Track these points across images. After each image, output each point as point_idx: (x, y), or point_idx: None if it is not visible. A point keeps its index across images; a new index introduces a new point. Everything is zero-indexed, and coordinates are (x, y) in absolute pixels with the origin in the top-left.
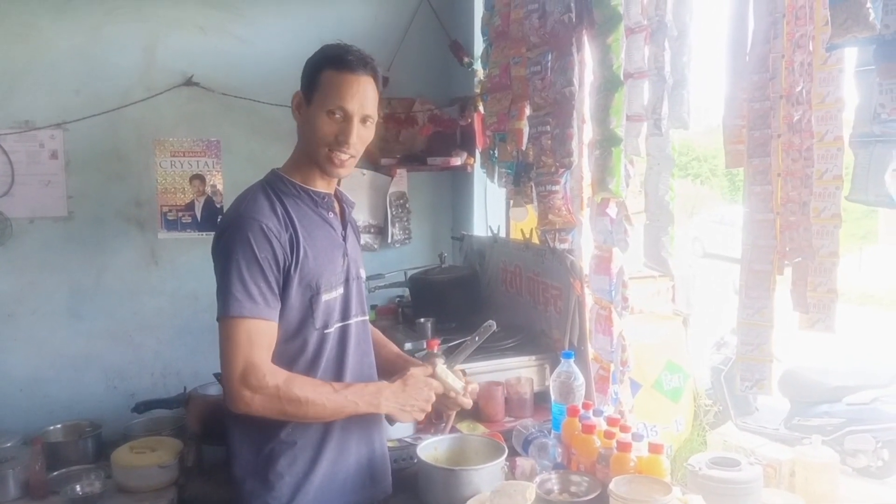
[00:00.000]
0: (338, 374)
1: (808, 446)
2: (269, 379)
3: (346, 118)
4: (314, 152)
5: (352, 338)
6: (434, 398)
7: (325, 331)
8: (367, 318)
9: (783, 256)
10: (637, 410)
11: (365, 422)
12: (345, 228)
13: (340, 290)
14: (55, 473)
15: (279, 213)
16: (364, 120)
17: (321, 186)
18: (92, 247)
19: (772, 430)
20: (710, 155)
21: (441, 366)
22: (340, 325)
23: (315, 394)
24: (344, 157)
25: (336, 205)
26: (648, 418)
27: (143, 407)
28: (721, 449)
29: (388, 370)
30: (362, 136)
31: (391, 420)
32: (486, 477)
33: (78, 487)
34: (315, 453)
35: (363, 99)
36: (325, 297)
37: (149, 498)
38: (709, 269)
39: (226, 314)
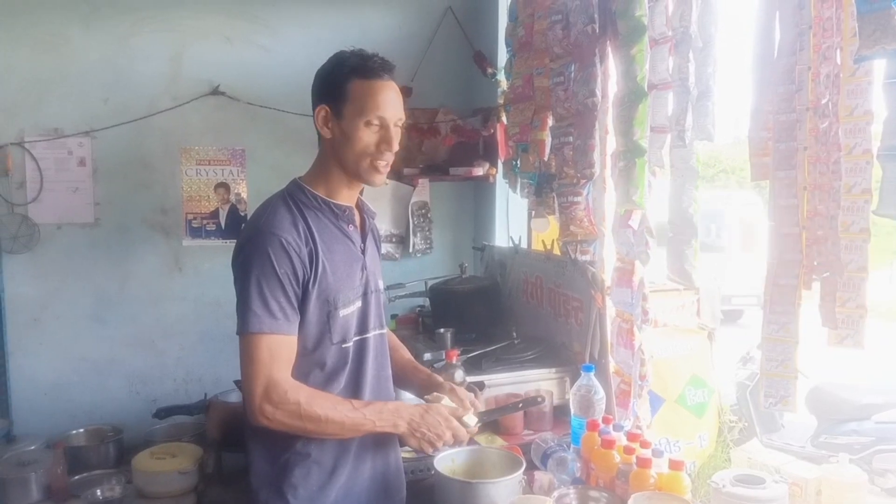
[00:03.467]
0: (356, 387)
1: (835, 465)
2: (291, 395)
3: (384, 126)
4: (354, 165)
5: (370, 351)
6: (451, 438)
7: (343, 345)
8: (384, 330)
9: (810, 271)
10: (660, 425)
11: (381, 436)
12: (364, 241)
13: (358, 304)
14: (76, 477)
15: (300, 227)
16: (396, 124)
17: (344, 199)
18: (117, 253)
19: (798, 448)
20: (737, 167)
21: (445, 400)
22: (358, 338)
23: (335, 412)
24: (385, 163)
25: (357, 216)
26: (671, 433)
27: (163, 413)
28: (746, 466)
29: (398, 376)
30: (397, 139)
31: (402, 442)
32: (503, 490)
33: (98, 492)
34: (331, 466)
35: (395, 104)
36: (342, 313)
37: (168, 503)
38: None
39: (246, 330)
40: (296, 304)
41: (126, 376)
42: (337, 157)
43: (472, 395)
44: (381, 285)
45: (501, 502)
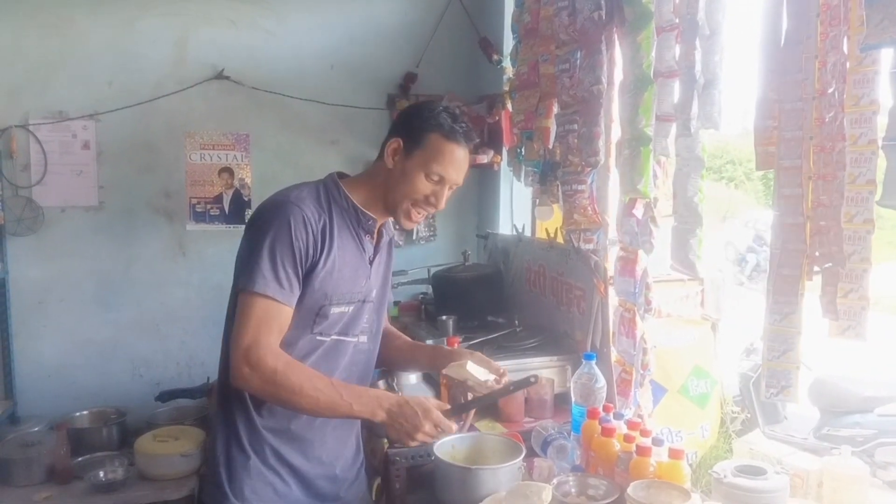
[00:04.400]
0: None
1: (837, 457)
2: (270, 360)
3: (442, 184)
4: (395, 203)
5: (345, 356)
6: (432, 430)
7: (319, 337)
8: (370, 344)
9: (813, 261)
10: (662, 415)
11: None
12: (375, 254)
13: (350, 308)
14: (79, 459)
15: (323, 215)
16: (452, 186)
17: (374, 214)
18: (121, 237)
19: (800, 440)
20: (745, 158)
21: (471, 363)
22: (336, 337)
23: (311, 385)
24: (422, 215)
25: (377, 228)
26: (674, 423)
27: (166, 396)
28: (747, 457)
29: (404, 360)
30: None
31: (383, 431)
32: (503, 477)
33: (101, 473)
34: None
35: (460, 170)
36: (333, 310)
37: (171, 486)
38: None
39: (251, 288)
40: (300, 281)
41: (129, 359)
42: (386, 187)
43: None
44: (382, 300)
45: (501, 488)
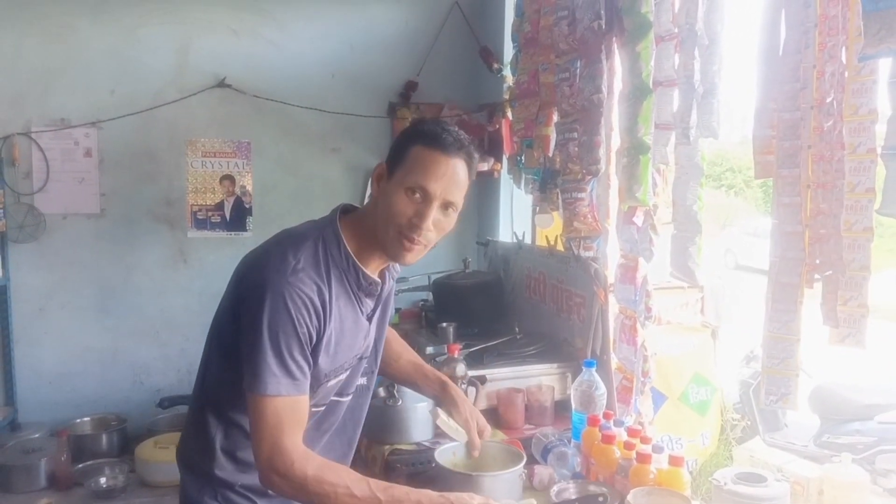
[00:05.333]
0: (312, 442)
1: (837, 464)
2: (298, 466)
3: (426, 200)
4: (382, 232)
5: (341, 410)
6: None
7: (314, 409)
8: (368, 381)
9: (812, 269)
10: (662, 423)
11: None
12: (376, 308)
13: (345, 375)
14: (80, 465)
15: (322, 289)
16: (445, 206)
17: (373, 268)
18: (122, 244)
19: (801, 447)
20: (744, 166)
21: (443, 416)
22: (333, 399)
23: (348, 491)
24: (412, 243)
25: (378, 289)
26: (674, 431)
27: (167, 402)
28: (748, 464)
29: (407, 383)
30: (439, 223)
31: None
32: (503, 484)
33: (102, 480)
34: None
35: (449, 183)
36: (330, 383)
37: (171, 493)
38: (741, 282)
39: (262, 392)
40: (310, 361)
41: (130, 366)
42: (373, 219)
43: (478, 414)
44: (382, 338)
45: (502, 496)
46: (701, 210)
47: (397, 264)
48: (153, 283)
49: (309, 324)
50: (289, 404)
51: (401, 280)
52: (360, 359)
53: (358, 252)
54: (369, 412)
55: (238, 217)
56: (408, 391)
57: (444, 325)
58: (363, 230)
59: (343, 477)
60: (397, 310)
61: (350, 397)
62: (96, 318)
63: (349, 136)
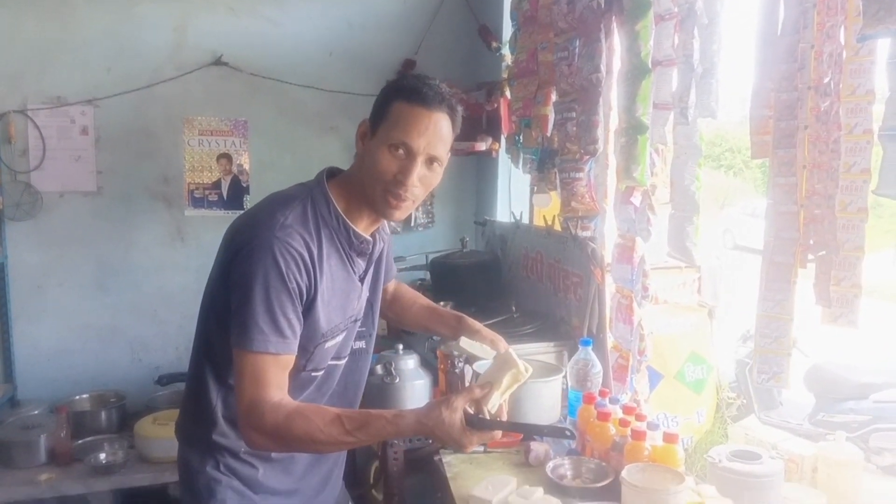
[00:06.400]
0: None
1: (832, 442)
2: (269, 417)
3: (409, 156)
4: (369, 189)
5: (339, 372)
6: (471, 440)
7: (313, 373)
8: (367, 344)
9: (806, 249)
10: (658, 401)
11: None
12: (368, 268)
13: (341, 336)
14: (80, 441)
15: (313, 246)
16: (430, 161)
17: (363, 226)
18: (120, 222)
19: (796, 425)
20: (744, 147)
21: (465, 338)
22: (330, 363)
23: (322, 432)
24: (399, 199)
25: (370, 248)
26: (670, 409)
27: (165, 379)
28: (743, 442)
29: (424, 327)
30: (425, 179)
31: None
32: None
33: (101, 456)
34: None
35: (432, 137)
36: (326, 345)
37: (170, 469)
38: (738, 262)
39: (248, 347)
40: (300, 319)
41: (128, 344)
42: (359, 177)
43: (498, 336)
44: (377, 297)
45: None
46: (699, 190)
47: (385, 227)
48: (151, 260)
49: (299, 279)
50: (272, 362)
51: (399, 259)
52: (355, 321)
53: (347, 211)
54: (367, 390)
55: (235, 196)
56: (405, 369)
57: (442, 303)
58: (351, 189)
59: (314, 420)
60: None
61: (346, 359)
62: (94, 296)
63: (347, 115)
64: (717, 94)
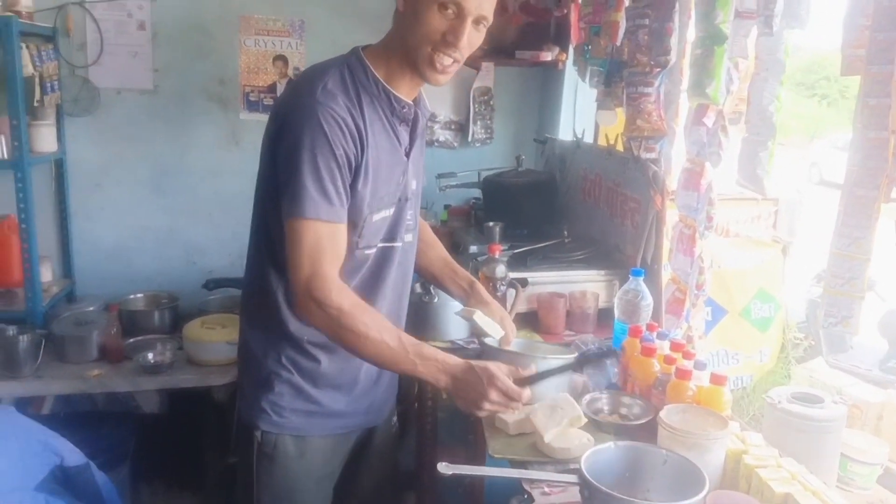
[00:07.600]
0: (370, 294)
1: None
2: (335, 297)
3: (460, 16)
4: (414, 51)
5: (394, 260)
6: (499, 401)
7: (367, 251)
8: (414, 239)
9: (893, 182)
10: (720, 337)
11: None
12: (412, 142)
13: (391, 211)
14: (131, 340)
15: (354, 112)
16: (478, 21)
17: (405, 92)
18: (175, 123)
19: (865, 371)
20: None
21: (479, 312)
22: (383, 245)
23: (378, 334)
24: (448, 61)
25: (412, 114)
26: (731, 346)
27: (213, 284)
28: (807, 384)
29: (434, 278)
30: (472, 39)
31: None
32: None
33: (150, 355)
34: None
35: None
36: (375, 217)
37: (215, 372)
38: (823, 198)
39: (300, 215)
40: (348, 188)
41: (183, 246)
42: (402, 38)
43: (506, 313)
44: (420, 188)
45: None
46: (778, 111)
47: (426, 103)
48: (206, 163)
49: (345, 145)
50: (327, 231)
51: (449, 175)
52: (402, 200)
53: (387, 77)
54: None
55: None
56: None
57: (491, 224)
58: (390, 53)
59: (377, 321)
60: (447, 206)
61: (400, 244)
62: (150, 197)
63: None
64: (808, 2)
